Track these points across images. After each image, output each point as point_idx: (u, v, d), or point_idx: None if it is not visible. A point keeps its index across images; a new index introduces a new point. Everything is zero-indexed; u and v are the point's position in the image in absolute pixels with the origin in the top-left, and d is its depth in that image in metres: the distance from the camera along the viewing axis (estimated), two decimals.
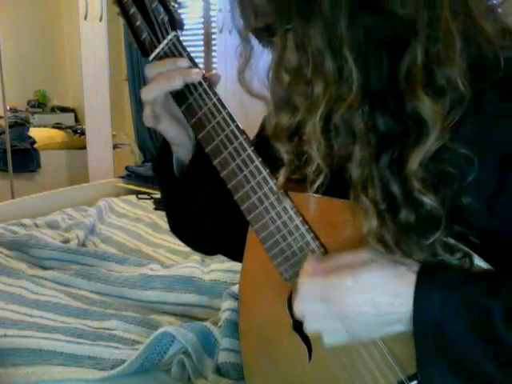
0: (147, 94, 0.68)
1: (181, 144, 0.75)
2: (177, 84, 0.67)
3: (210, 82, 0.68)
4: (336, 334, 0.60)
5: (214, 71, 0.73)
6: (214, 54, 2.84)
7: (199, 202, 0.79)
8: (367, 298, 0.56)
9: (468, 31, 0.54)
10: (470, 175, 0.54)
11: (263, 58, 0.62)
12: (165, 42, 0.68)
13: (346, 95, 0.53)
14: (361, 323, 0.57)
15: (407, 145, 0.53)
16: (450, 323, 0.52)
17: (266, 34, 0.60)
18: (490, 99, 0.55)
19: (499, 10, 0.59)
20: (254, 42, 0.62)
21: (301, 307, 0.60)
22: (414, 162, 0.53)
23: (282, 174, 0.62)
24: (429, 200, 0.53)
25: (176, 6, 0.68)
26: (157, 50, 0.68)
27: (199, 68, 0.68)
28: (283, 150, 0.61)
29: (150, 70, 0.69)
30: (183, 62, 0.67)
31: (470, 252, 0.55)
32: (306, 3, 0.52)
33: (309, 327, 0.61)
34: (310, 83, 0.54)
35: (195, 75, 0.67)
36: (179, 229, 0.87)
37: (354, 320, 0.57)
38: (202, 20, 2.99)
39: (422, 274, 0.55)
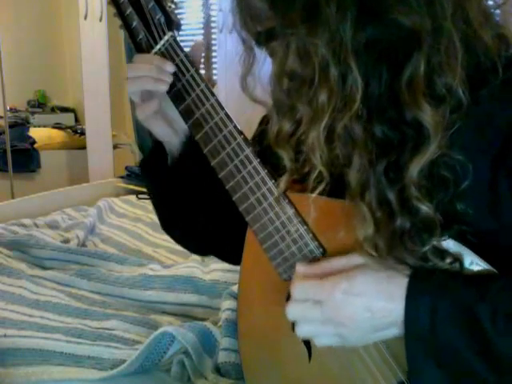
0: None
1: (168, 141, 0.76)
2: (163, 88, 0.67)
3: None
4: (328, 338, 0.60)
5: (213, 76, 0.73)
6: (214, 54, 2.84)
7: (191, 198, 0.78)
8: (361, 303, 0.56)
9: (467, 40, 0.54)
10: (464, 181, 0.54)
11: (266, 63, 0.62)
12: (161, 42, 0.68)
13: (350, 104, 0.53)
14: (355, 329, 0.57)
15: (405, 153, 0.53)
16: (440, 326, 0.53)
17: (266, 38, 0.60)
18: (485, 106, 0.55)
19: (497, 12, 0.59)
20: (257, 48, 0.62)
21: (293, 310, 0.60)
22: (415, 170, 0.53)
23: (284, 181, 0.62)
24: (425, 207, 0.53)
25: (172, 6, 0.68)
26: (153, 51, 0.68)
27: (197, 67, 0.68)
28: (287, 158, 0.60)
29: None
30: (169, 67, 0.67)
31: (460, 256, 0.55)
32: (311, 12, 0.52)
33: (300, 331, 0.60)
34: (314, 92, 0.54)
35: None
36: (170, 226, 0.86)
37: (349, 326, 0.57)
38: (202, 20, 2.99)
39: (413, 277, 0.55)
